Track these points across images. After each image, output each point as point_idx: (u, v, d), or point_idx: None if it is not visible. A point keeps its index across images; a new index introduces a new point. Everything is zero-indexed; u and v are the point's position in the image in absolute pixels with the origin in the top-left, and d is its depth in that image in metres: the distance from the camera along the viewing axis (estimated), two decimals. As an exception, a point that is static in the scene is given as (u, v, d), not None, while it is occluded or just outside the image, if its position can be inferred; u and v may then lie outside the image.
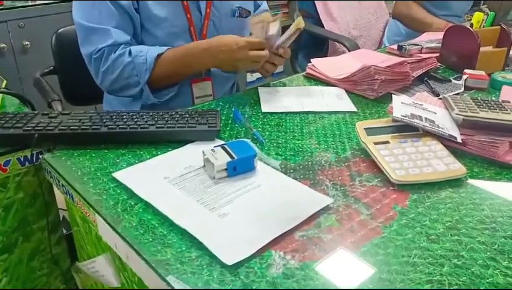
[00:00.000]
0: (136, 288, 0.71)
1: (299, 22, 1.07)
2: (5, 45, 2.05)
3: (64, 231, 1.01)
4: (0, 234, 0.88)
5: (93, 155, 0.85)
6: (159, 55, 1.07)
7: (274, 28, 1.06)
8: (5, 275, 0.91)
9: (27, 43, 2.10)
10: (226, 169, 0.76)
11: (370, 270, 0.58)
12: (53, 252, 0.97)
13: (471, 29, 1.29)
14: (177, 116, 0.93)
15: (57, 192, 0.90)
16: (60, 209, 0.98)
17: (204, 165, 0.80)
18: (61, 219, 1.00)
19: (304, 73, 1.33)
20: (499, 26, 1.34)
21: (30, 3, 2.14)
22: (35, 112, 0.93)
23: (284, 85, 1.24)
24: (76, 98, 1.49)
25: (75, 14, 1.10)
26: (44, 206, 0.93)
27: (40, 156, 0.87)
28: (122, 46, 1.07)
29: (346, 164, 0.83)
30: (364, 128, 0.87)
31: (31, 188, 0.90)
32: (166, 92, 1.16)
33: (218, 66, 1.16)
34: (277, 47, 1.11)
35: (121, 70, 1.07)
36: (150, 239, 0.63)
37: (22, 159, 0.87)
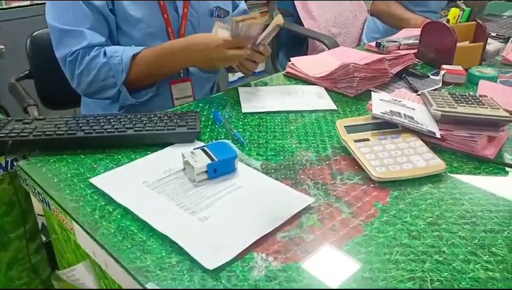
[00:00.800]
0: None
1: (278, 19, 1.07)
2: (-22, 49, 2.01)
3: (45, 238, 0.99)
4: (-24, 244, 0.86)
5: (70, 161, 0.83)
6: (134, 55, 1.06)
7: (256, 29, 1.05)
8: (-18, 285, 0.89)
9: (1, 46, 2.06)
10: (206, 171, 0.75)
11: (355, 266, 0.58)
12: (32, 261, 0.95)
13: (447, 25, 1.31)
14: (156, 118, 0.91)
15: (34, 199, 0.88)
16: (39, 215, 0.96)
17: (184, 168, 0.79)
18: (40, 226, 0.98)
19: (284, 72, 1.32)
20: (474, 22, 1.36)
21: (4, 5, 2.09)
22: (9, 118, 0.91)
23: (265, 84, 1.23)
24: (53, 102, 1.46)
25: (48, 16, 1.08)
26: (21, 214, 0.91)
27: (15, 163, 0.84)
28: (97, 47, 1.05)
29: (327, 162, 0.83)
30: (345, 126, 0.87)
31: (6, 196, 0.88)
32: (145, 93, 1.14)
33: (195, 65, 1.15)
34: (257, 44, 1.10)
35: (97, 72, 1.05)
36: (129, 246, 0.62)
37: (-4, 167, 0.85)
